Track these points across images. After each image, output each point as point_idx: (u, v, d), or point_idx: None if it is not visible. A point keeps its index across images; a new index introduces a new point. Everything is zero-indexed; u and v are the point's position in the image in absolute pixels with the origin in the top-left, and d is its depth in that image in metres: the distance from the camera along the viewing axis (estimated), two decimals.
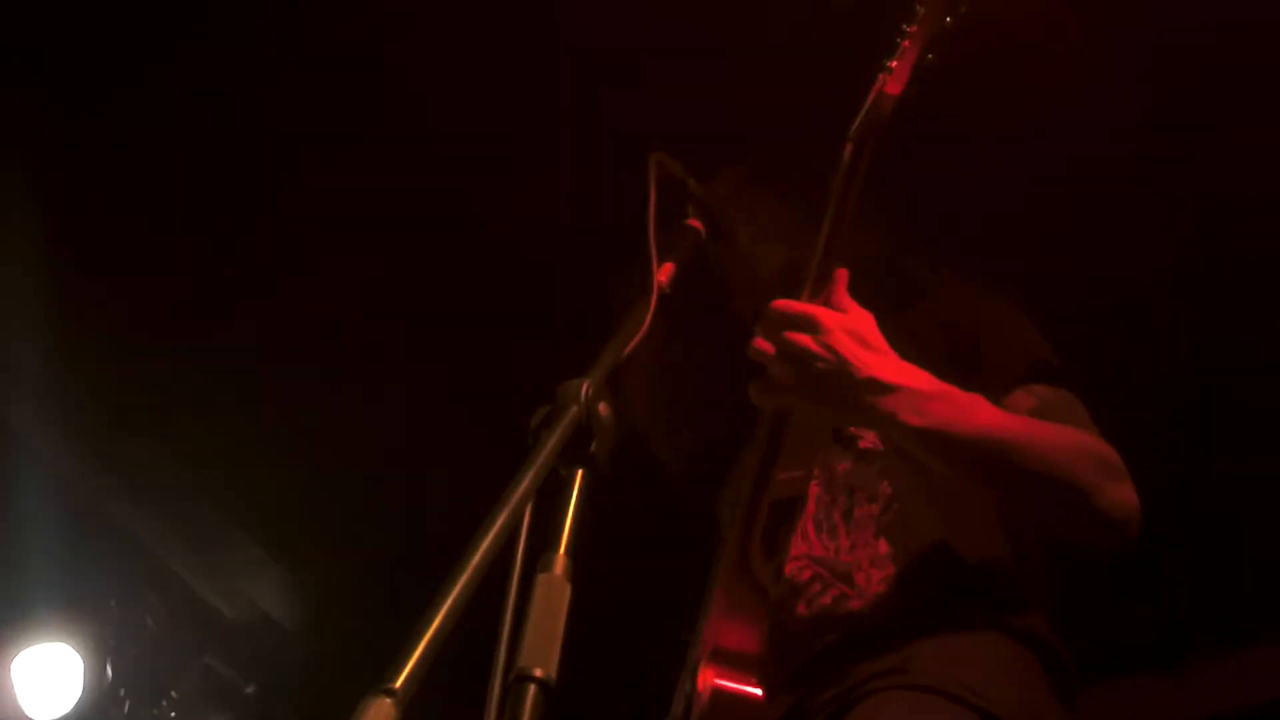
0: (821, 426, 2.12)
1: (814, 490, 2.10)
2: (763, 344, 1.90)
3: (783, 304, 1.91)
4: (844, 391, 1.86)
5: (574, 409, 1.38)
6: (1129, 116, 3.28)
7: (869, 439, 2.13)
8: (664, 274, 1.73)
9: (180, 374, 3.88)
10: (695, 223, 1.90)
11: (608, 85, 3.28)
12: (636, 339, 1.58)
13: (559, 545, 1.31)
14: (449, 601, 1.15)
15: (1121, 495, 1.92)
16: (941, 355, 2.07)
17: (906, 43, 2.06)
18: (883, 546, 2.01)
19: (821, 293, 1.96)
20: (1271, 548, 3.89)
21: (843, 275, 1.97)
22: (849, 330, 1.89)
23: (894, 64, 2.05)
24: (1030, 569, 2.08)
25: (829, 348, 1.85)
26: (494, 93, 3.33)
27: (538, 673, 1.20)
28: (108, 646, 4.46)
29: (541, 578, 1.29)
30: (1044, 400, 2.04)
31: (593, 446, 1.38)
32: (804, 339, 1.86)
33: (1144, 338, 3.66)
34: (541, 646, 1.24)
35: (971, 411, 1.89)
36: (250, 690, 4.71)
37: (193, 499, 4.40)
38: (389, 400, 3.91)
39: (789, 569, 2.03)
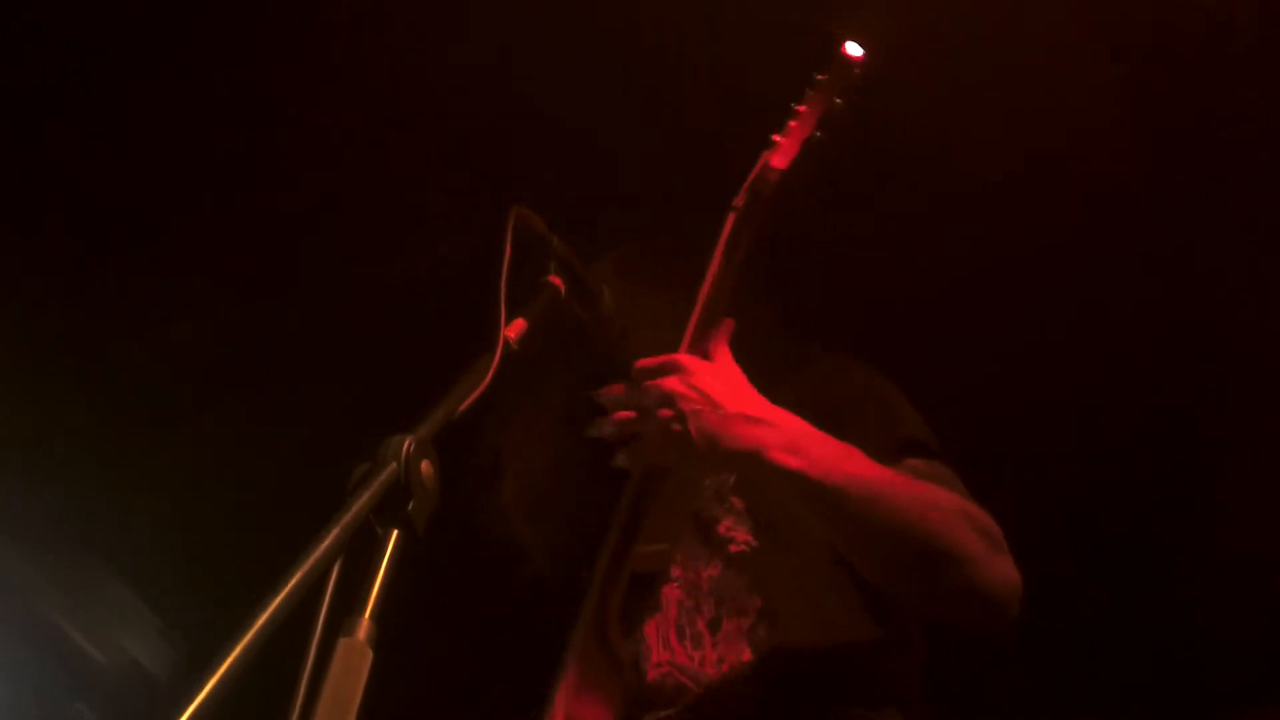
0: (684, 498, 2.06)
1: (675, 594, 2.01)
2: (625, 413, 1.87)
3: (643, 361, 1.91)
4: (711, 428, 1.82)
5: (393, 466, 1.32)
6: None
7: (740, 540, 2.04)
8: (513, 330, 1.66)
9: (52, 411, 3.76)
10: (556, 280, 1.85)
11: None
12: (473, 396, 1.52)
13: (364, 609, 1.25)
14: (224, 666, 1.07)
15: (1003, 568, 1.85)
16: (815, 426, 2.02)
17: (794, 122, 2.07)
18: (746, 654, 1.92)
19: (697, 351, 1.96)
20: None
21: (727, 324, 1.96)
22: (715, 373, 1.89)
23: (781, 140, 2.06)
24: (912, 677, 2.03)
25: (694, 387, 1.86)
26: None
27: None
28: None
29: (342, 642, 1.22)
30: (920, 473, 1.96)
31: (410, 507, 1.31)
32: (669, 381, 1.86)
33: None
34: (336, 717, 1.18)
35: (844, 457, 1.83)
36: None
37: (64, 540, 4.26)
38: (269, 446, 3.81)
39: (652, 675, 1.94)
